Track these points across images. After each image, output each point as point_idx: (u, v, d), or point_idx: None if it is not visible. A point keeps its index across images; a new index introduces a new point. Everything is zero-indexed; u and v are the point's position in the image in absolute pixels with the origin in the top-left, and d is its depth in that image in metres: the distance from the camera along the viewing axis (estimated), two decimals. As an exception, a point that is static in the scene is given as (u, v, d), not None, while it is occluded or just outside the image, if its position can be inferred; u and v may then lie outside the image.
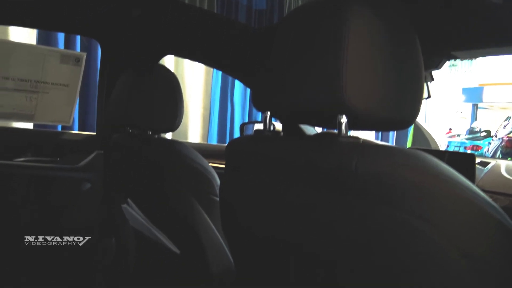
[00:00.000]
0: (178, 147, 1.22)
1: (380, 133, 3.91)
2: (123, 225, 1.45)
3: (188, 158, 1.19)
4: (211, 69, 3.18)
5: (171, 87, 1.27)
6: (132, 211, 1.36)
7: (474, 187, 0.51)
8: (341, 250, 0.58)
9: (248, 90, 3.33)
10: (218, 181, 1.21)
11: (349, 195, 0.55)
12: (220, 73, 3.25)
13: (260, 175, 0.70)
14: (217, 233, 1.18)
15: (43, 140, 1.65)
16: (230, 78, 3.29)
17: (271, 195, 0.68)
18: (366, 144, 0.57)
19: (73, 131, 1.96)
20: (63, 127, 2.08)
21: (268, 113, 0.72)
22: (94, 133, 1.70)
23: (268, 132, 0.73)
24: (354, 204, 0.54)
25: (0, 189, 1.46)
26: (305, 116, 0.69)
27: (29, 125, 2.02)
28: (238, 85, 3.34)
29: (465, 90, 11.21)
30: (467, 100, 11.45)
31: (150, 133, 1.31)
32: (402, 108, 0.60)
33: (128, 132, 1.37)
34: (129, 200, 1.37)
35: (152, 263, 1.41)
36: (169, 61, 2.78)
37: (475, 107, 11.59)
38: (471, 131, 9.38)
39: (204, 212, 1.17)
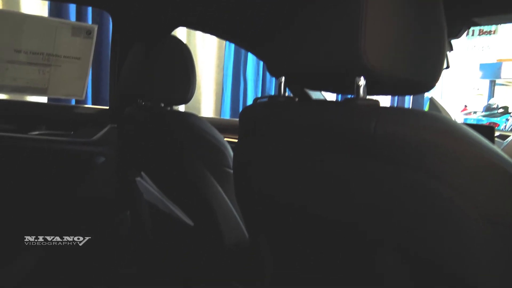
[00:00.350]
0: (191, 119, 1.21)
1: (396, 104, 3.85)
2: (138, 199, 1.45)
3: (201, 130, 1.18)
4: (224, 44, 3.14)
5: (183, 58, 1.25)
6: (146, 184, 1.36)
7: (498, 149, 0.49)
8: (361, 214, 0.56)
9: (261, 65, 3.28)
10: (232, 154, 1.20)
11: (368, 159, 0.53)
12: (232, 48, 3.20)
13: (276, 141, 0.68)
14: (231, 205, 1.17)
15: (57, 114, 1.65)
16: (242, 53, 3.24)
17: (288, 161, 0.66)
18: (385, 107, 0.55)
19: (86, 105, 1.96)
20: (76, 101, 2.08)
21: (283, 78, 0.70)
22: (107, 107, 1.69)
23: (282, 98, 0.71)
24: (374, 168, 0.53)
25: (15, 162, 1.47)
26: (322, 80, 0.67)
27: (43, 99, 2.02)
28: (250, 60, 3.29)
29: (483, 66, 10.93)
30: (484, 77, 11.17)
31: (163, 105, 1.30)
32: (423, 70, 0.58)
33: (141, 104, 1.36)
34: (143, 173, 1.37)
35: (166, 236, 1.42)
36: (181, 37, 2.75)
37: (493, 84, 11.32)
38: (488, 108, 9.19)
39: (218, 184, 1.17)
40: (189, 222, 1.25)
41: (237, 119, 0.80)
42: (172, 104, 1.32)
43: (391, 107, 0.55)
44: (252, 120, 0.76)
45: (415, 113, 0.52)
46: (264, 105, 0.76)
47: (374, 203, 0.54)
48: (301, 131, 0.63)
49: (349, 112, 0.57)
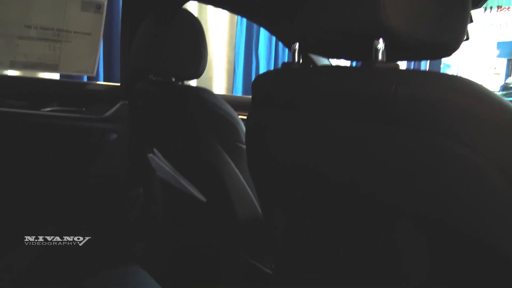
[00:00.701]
0: (203, 93, 1.19)
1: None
2: (150, 175, 1.45)
3: (213, 104, 1.16)
4: (235, 21, 3.09)
5: (194, 32, 1.22)
6: (158, 160, 1.35)
7: None
8: (382, 180, 0.54)
9: (274, 42, 3.23)
10: (244, 129, 1.18)
11: (389, 123, 0.51)
12: (244, 25, 3.16)
13: (292, 108, 0.66)
14: (244, 181, 1.16)
15: (68, 91, 1.64)
16: (254, 30, 3.19)
17: (306, 127, 0.64)
18: (405, 69, 0.53)
19: (97, 82, 1.95)
20: (88, 78, 2.07)
21: (297, 45, 0.67)
22: (118, 84, 1.68)
23: (296, 65, 0.68)
24: (395, 132, 0.51)
25: (27, 138, 1.48)
26: (338, 46, 0.64)
27: (55, 76, 2.01)
28: (263, 37, 3.24)
29: (500, 44, 10.64)
30: (501, 55, 10.87)
31: (174, 80, 1.28)
32: (446, 31, 0.55)
33: (152, 80, 1.34)
34: (155, 149, 1.36)
35: (179, 212, 1.42)
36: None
37: (510, 62, 11.04)
38: (505, 87, 8.96)
39: (231, 160, 1.15)
40: (202, 198, 1.24)
41: (250, 97, 0.78)
42: (184, 79, 1.30)
43: (411, 69, 0.52)
44: (266, 88, 0.73)
45: (438, 74, 0.50)
46: (278, 72, 0.73)
47: (396, 168, 0.52)
48: (319, 97, 0.61)
49: (367, 76, 0.54)
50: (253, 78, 3.24)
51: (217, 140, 1.14)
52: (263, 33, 3.20)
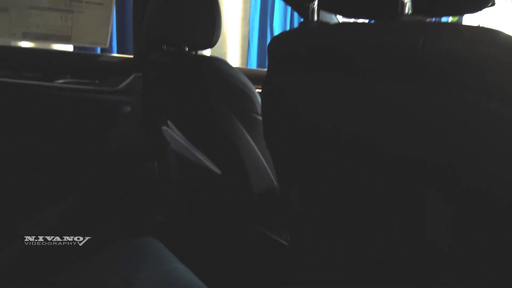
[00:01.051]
0: (217, 63, 1.15)
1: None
2: (164, 148, 1.43)
3: (228, 74, 1.13)
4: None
5: (208, 0, 1.18)
6: (173, 133, 1.34)
7: None
8: (412, 140, 0.51)
9: (289, 17, 3.16)
10: (260, 99, 1.15)
11: (417, 79, 0.48)
12: (259, 0, 3.10)
13: (314, 67, 0.62)
14: (259, 153, 1.13)
15: (82, 63, 1.63)
16: (269, 4, 3.13)
17: (330, 88, 0.60)
18: (433, 22, 0.49)
19: (110, 54, 1.93)
20: (101, 50, 2.05)
21: (316, 2, 0.63)
22: (132, 56, 1.66)
23: (314, 23, 0.64)
24: (423, 89, 0.47)
25: (41, 110, 1.47)
26: (359, 3, 0.60)
27: (69, 48, 2.00)
28: (277, 12, 3.17)
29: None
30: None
31: (187, 50, 1.25)
32: None
33: (165, 50, 1.31)
34: (169, 122, 1.34)
35: (193, 185, 1.41)
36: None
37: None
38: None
39: (246, 131, 1.13)
40: (217, 170, 1.22)
41: (265, 69, 0.74)
42: (198, 48, 1.26)
43: (439, 22, 0.48)
44: (284, 48, 0.69)
45: (467, 26, 0.47)
46: (296, 32, 0.69)
47: (427, 127, 0.49)
48: (343, 54, 0.57)
49: (393, 29, 0.51)
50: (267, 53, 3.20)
51: (232, 111, 1.12)
52: (278, 8, 3.13)
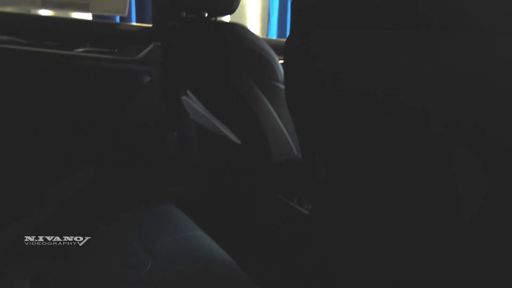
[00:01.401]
0: (237, 28, 1.12)
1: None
2: (184, 118, 1.42)
3: (248, 40, 1.10)
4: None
5: None
6: (192, 103, 1.32)
7: None
8: (432, 96, 0.47)
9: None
10: (281, 67, 1.11)
11: (420, 28, 0.45)
12: (279, -32, 3.01)
13: (343, 24, 0.58)
14: (279, 121, 1.11)
15: (101, 31, 1.61)
16: (290, -26, 3.03)
17: (364, 47, 0.55)
18: None
19: (129, 23, 1.91)
20: (120, 19, 2.02)
21: None
22: (150, 25, 1.63)
23: None
24: (429, 39, 0.44)
25: (61, 79, 1.47)
26: None
27: (88, 17, 1.98)
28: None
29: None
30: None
31: (206, 16, 1.22)
32: None
33: (184, 17, 1.29)
34: (188, 91, 1.33)
35: (213, 155, 1.40)
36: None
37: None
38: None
39: (266, 99, 1.10)
40: (237, 140, 1.20)
41: (284, 39, 0.69)
42: (217, 14, 1.23)
43: None
44: (306, 6, 0.65)
45: None
46: None
47: (443, 81, 0.45)
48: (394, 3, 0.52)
49: None
50: (288, 25, 3.12)
51: (252, 78, 1.09)
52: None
